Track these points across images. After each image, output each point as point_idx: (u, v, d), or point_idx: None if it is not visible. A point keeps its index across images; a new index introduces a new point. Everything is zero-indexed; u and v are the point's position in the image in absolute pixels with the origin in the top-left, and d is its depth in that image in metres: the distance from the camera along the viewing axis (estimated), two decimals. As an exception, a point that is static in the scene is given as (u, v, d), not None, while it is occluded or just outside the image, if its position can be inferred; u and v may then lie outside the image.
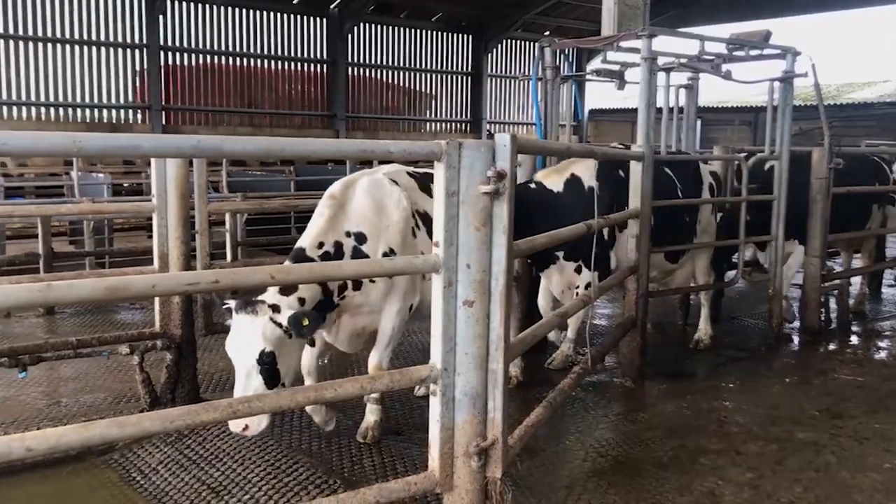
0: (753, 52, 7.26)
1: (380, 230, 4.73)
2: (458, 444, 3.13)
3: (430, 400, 3.13)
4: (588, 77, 10.10)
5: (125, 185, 16.47)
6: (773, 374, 6.87)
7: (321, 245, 4.57)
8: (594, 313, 4.95)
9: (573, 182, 6.34)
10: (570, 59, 10.10)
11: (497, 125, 29.89)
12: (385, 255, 4.67)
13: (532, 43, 29.77)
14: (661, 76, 7.62)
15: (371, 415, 5.19)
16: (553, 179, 6.39)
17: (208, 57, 23.37)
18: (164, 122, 22.35)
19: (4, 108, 20.20)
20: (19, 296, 2.27)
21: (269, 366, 4.11)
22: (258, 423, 4.07)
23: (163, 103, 22.41)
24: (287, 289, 4.26)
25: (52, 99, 20.81)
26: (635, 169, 6.09)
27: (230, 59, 23.77)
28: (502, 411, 3.16)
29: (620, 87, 7.85)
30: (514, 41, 30.16)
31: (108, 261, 10.88)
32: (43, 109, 20.76)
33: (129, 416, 2.48)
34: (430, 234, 4.96)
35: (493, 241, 3.08)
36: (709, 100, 25.62)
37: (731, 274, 8.29)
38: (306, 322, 4.08)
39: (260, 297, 4.19)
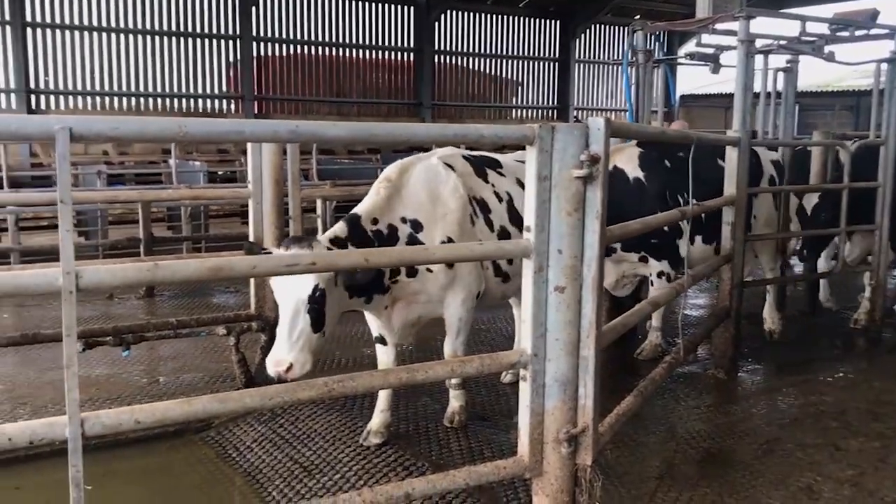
0: (859, 33, 6.95)
1: (436, 219, 4.61)
2: (548, 429, 3.11)
3: (520, 385, 3.12)
4: (681, 61, 9.86)
5: (220, 172, 16.97)
6: (874, 369, 6.60)
7: (375, 221, 4.47)
8: (686, 303, 4.83)
9: (615, 175, 6.13)
10: (662, 43, 9.84)
11: (584, 111, 29.46)
12: (443, 243, 4.52)
13: (622, 28, 29.24)
14: (758, 59, 7.37)
15: (455, 400, 5.18)
16: None
17: (298, 47, 23.81)
18: (255, 112, 22.90)
19: (106, 99, 21.07)
20: (129, 275, 2.38)
21: (318, 305, 3.99)
22: (303, 365, 3.92)
23: (255, 93, 22.96)
24: (339, 243, 4.23)
25: (150, 89, 21.59)
26: (731, 155, 5.91)
27: (319, 48, 24.16)
28: (593, 398, 3.13)
29: (715, 71, 7.64)
30: (602, 26, 29.66)
31: (204, 245, 11.28)
32: (142, 100, 21.54)
33: (230, 392, 2.57)
34: (487, 222, 4.88)
35: (586, 226, 3.05)
36: (807, 84, 24.62)
37: (822, 264, 7.99)
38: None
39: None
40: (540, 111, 28.90)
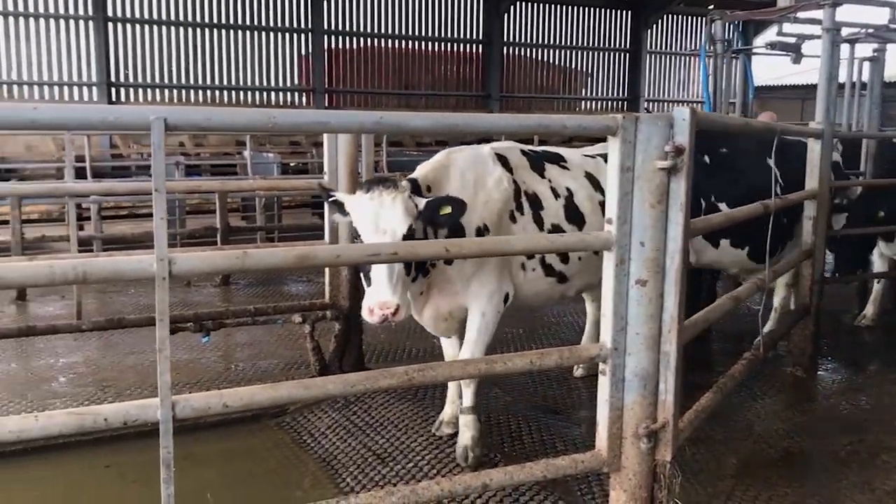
0: (953, 19, 6.65)
1: (476, 205, 4.33)
2: (627, 424, 3.08)
3: (600, 379, 3.09)
4: (758, 51, 9.60)
5: (292, 164, 17.24)
6: (965, 371, 6.33)
7: (429, 189, 4.24)
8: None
9: None
10: (739, 32, 9.53)
11: (656, 103, 29.00)
12: (479, 230, 4.32)
13: (695, 18, 28.66)
14: (843, 48, 7.12)
15: (467, 429, 4.53)
16: None
17: (367, 39, 24.02)
18: (325, 105, 23.19)
19: (182, 92, 21.63)
20: (219, 262, 2.43)
21: None
22: (407, 308, 3.86)
23: (325, 86, 23.24)
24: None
25: (224, 82, 22.06)
26: (814, 147, 5.74)
27: (388, 41, 24.32)
28: (674, 394, 3.08)
29: (797, 61, 7.41)
30: (675, 16, 29.08)
31: (276, 236, 11.47)
32: (216, 93, 22.06)
33: (314, 379, 2.62)
34: (536, 219, 4.58)
35: (669, 218, 3.00)
36: (891, 73, 23.63)
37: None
38: (448, 209, 3.87)
39: None
40: (610, 103, 28.56)
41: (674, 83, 29.82)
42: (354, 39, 23.86)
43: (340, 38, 23.60)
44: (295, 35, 22.84)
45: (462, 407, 4.57)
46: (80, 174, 11.77)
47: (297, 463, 4.79)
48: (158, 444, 2.37)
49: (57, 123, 2.19)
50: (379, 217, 3.80)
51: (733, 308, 4.02)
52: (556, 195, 4.73)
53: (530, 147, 5.00)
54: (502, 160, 4.61)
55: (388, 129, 2.49)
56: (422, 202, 3.91)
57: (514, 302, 4.63)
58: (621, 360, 3.04)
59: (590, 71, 28.16)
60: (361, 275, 4.01)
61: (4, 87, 19.63)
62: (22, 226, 8.20)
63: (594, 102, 28.39)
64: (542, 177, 4.76)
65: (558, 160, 4.95)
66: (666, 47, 29.33)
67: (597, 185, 4.85)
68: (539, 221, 4.59)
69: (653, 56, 29.10)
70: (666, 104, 29.17)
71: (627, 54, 28.54)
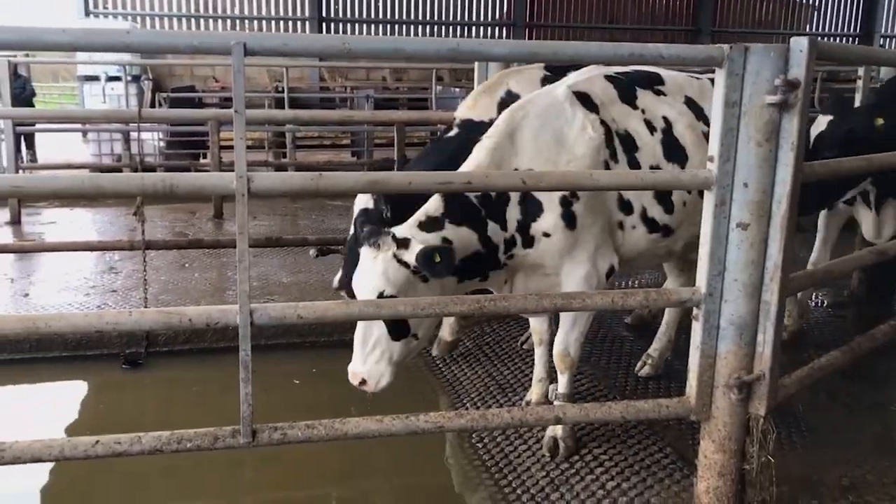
0: None
1: (558, 167, 3.57)
2: (720, 373, 2.95)
3: (693, 325, 2.97)
4: None
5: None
6: None
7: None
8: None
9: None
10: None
11: (893, 39, 26.07)
12: (565, 199, 3.52)
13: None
14: None
15: None
16: (483, 105, 4.74)
17: (572, -28, 23.41)
18: (526, 40, 22.98)
19: (389, 26, 22.26)
20: (295, 182, 2.58)
21: None
22: (378, 380, 3.41)
23: (526, 20, 22.99)
24: (430, 225, 3.41)
25: (422, 17, 22.41)
26: None
27: (594, -27, 23.58)
28: (773, 346, 2.90)
29: None
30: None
31: (456, 170, 11.74)
32: (420, 27, 22.50)
33: (386, 300, 2.73)
34: (632, 164, 3.72)
35: (779, 158, 2.78)
36: None
37: None
38: (438, 259, 3.17)
39: (394, 230, 3.36)
40: (837, 39, 26.05)
41: (918, 17, 26.61)
42: (558, -28, 23.34)
43: (544, -30, 23.16)
44: (498, -32, 22.72)
45: (557, 392, 3.98)
46: (289, 104, 12.58)
47: (424, 386, 5.02)
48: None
49: (148, 47, 2.39)
50: (360, 279, 3.34)
51: (874, 262, 3.66)
52: (652, 129, 3.85)
53: (619, 69, 4.04)
54: (583, 98, 3.74)
55: (465, 57, 2.49)
56: (412, 256, 3.21)
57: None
58: (716, 306, 2.89)
59: (816, 4, 25.76)
60: None
61: (229, 21, 21.14)
62: (220, 151, 8.90)
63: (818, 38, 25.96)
64: (634, 107, 3.87)
65: (653, 83, 4.01)
66: (910, -25, 26.15)
67: (699, 112, 3.93)
68: (635, 166, 3.74)
69: (894, -15, 26.08)
70: (906, 41, 26.16)
71: (864, -16, 25.78)
